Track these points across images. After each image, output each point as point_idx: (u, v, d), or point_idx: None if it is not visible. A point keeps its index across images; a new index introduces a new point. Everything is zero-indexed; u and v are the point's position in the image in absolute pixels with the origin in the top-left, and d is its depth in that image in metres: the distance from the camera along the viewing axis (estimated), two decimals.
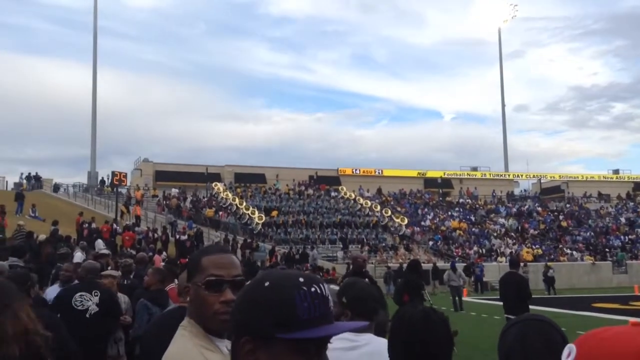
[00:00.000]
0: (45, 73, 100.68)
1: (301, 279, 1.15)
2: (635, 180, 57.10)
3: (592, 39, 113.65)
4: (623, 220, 46.46)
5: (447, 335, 2.03)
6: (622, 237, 42.82)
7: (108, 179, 39.85)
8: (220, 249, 1.94)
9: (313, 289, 1.13)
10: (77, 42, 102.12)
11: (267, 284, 1.15)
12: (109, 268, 8.87)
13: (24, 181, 41.28)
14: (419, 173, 53.58)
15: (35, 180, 41.65)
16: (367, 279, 8.05)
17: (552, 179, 57.34)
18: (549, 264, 32.84)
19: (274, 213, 38.25)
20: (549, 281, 30.33)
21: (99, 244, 18.91)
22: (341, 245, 35.81)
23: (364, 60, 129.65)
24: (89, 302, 5.80)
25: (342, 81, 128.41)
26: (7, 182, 42.98)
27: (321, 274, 28.14)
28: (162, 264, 12.62)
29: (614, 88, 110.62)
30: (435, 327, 2.01)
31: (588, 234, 43.22)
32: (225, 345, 1.80)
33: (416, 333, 1.99)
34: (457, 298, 21.19)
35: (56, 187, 42.25)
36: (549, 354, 1.69)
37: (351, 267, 11.69)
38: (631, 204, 50.92)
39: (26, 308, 1.94)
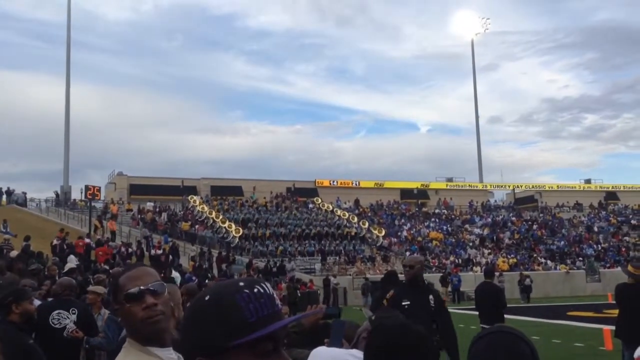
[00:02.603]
0: (20, 87, 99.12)
1: (241, 283, 1.15)
2: (606, 189, 58.20)
3: (564, 52, 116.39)
4: (595, 229, 47.27)
5: (430, 345, 2.03)
6: (594, 245, 43.52)
7: (82, 193, 39.27)
8: (134, 265, 2.08)
9: (256, 290, 1.13)
10: (53, 56, 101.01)
11: (207, 297, 1.14)
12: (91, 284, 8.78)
13: None
14: (395, 184, 53.91)
15: (7, 195, 40.86)
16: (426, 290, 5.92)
17: (525, 189, 58.14)
18: (525, 273, 33.36)
19: (251, 231, 37.76)
20: (526, 290, 30.89)
21: (72, 259, 18.58)
22: (319, 257, 35.75)
23: (342, 73, 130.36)
24: (67, 320, 5.73)
25: (321, 94, 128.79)
26: None
27: (299, 286, 28.04)
28: None
29: (586, 100, 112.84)
30: (414, 338, 2.00)
31: (562, 243, 43.85)
32: (170, 353, 1.85)
33: (395, 343, 1.99)
34: None
35: (15, 200, 41.24)
36: None
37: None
38: (603, 212, 51.85)
39: None
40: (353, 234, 40.33)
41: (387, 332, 2.01)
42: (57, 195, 42.46)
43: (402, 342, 1.98)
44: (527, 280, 31.44)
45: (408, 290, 5.88)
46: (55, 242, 23.12)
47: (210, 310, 1.11)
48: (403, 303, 5.56)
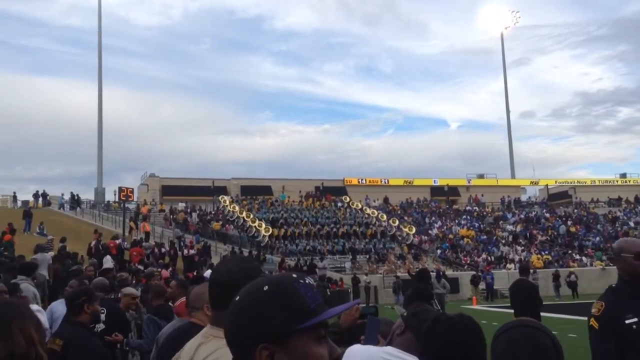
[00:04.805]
0: (56, 92, 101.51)
1: (294, 275, 1.23)
2: None
3: (596, 45, 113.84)
4: (632, 224, 46.17)
5: (483, 338, 2.04)
6: None
7: (115, 194, 39.96)
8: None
9: (307, 281, 1.22)
10: (86, 61, 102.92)
11: (266, 287, 1.19)
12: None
13: (32, 199, 41.64)
14: (425, 181, 53.53)
15: (43, 198, 41.84)
16: None
17: (558, 184, 57.12)
18: (571, 269, 33.96)
19: (281, 230, 37.75)
20: (572, 286, 31.59)
21: (107, 260, 18.94)
22: (350, 256, 35.68)
23: (370, 71, 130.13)
24: None
25: (349, 92, 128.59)
26: (14, 199, 43.22)
27: (329, 284, 28.04)
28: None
29: (620, 93, 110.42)
30: (475, 330, 2.01)
31: (597, 239, 42.94)
32: None
33: (465, 336, 1.99)
34: (439, 306, 21.05)
35: (47, 202, 42.06)
36: (538, 359, 1.69)
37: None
38: (639, 207, 50.62)
39: (28, 329, 1.89)
40: (381, 232, 40.14)
41: (457, 326, 2.02)
42: (72, 196, 43.09)
43: (467, 334, 1.98)
44: (572, 277, 31.88)
45: (630, 299, 3.50)
46: (93, 243, 23.59)
47: (274, 298, 1.17)
48: (627, 321, 3.42)
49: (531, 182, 56.91)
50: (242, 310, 1.20)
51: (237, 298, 1.23)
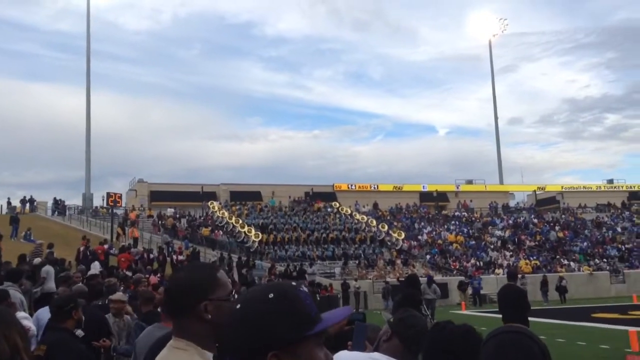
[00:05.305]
0: (46, 98, 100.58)
1: (294, 283, 1.25)
2: (629, 189, 57.31)
3: (584, 52, 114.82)
4: (619, 229, 46.54)
5: (478, 348, 2.05)
6: (619, 246, 42.81)
7: (103, 200, 39.70)
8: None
9: (306, 289, 1.25)
10: (76, 67, 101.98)
11: (271, 295, 1.19)
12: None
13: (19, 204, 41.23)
14: (414, 187, 53.68)
15: (30, 204, 41.45)
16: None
17: (546, 190, 57.49)
18: (561, 274, 34.12)
19: (271, 236, 37.65)
20: (561, 291, 31.68)
21: (95, 266, 18.81)
22: (341, 261, 35.62)
23: (360, 77, 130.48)
24: None
25: (338, 98, 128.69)
26: (1, 205, 42.84)
27: (318, 290, 27.99)
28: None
29: (607, 99, 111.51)
30: (476, 342, 2.01)
31: (585, 244, 43.23)
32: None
33: (459, 346, 1.99)
34: (429, 311, 21.14)
35: (33, 207, 41.64)
36: None
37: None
38: (626, 213, 51.05)
39: (12, 336, 1.87)
40: (370, 237, 40.16)
41: (452, 335, 2.02)
42: (56, 201, 42.73)
43: (465, 345, 1.98)
44: (563, 282, 32.21)
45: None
46: (81, 249, 23.41)
47: (280, 306, 1.18)
48: None
49: (538, 188, 56.87)
50: (247, 318, 1.18)
51: (239, 306, 1.21)
